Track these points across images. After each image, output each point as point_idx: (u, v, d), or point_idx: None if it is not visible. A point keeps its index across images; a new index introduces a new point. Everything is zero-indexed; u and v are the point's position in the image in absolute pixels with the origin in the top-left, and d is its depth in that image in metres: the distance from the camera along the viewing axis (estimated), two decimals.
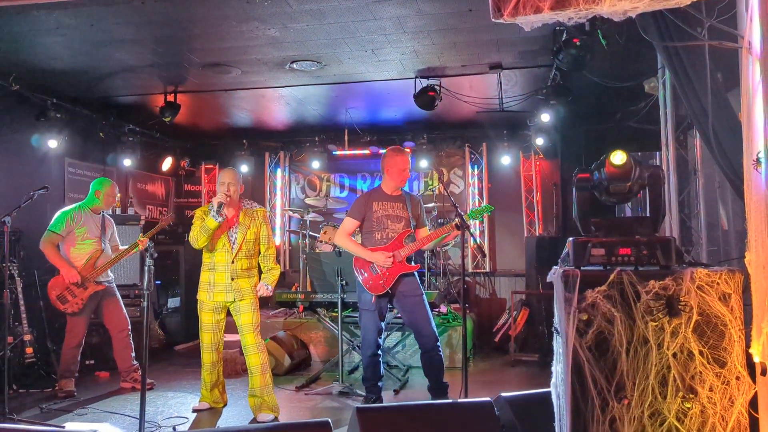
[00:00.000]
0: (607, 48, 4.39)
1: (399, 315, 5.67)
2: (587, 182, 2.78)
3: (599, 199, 2.96)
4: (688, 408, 2.43)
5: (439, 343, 4.72)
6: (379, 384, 4.83)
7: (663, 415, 2.43)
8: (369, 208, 4.82)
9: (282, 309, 7.49)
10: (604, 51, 4.55)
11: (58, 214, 5.51)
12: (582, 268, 2.61)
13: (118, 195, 5.91)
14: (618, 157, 2.60)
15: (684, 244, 4.69)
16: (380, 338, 4.84)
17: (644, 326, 2.46)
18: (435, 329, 4.72)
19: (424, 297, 4.78)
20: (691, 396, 2.43)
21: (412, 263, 4.85)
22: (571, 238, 2.69)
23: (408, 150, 4.97)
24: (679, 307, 2.43)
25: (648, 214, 2.75)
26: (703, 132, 3.21)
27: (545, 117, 6.60)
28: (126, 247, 5.64)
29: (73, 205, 5.64)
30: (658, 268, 2.56)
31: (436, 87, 6.39)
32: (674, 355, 2.44)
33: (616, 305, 2.48)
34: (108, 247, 5.67)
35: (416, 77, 6.43)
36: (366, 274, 4.72)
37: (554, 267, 2.91)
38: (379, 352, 4.83)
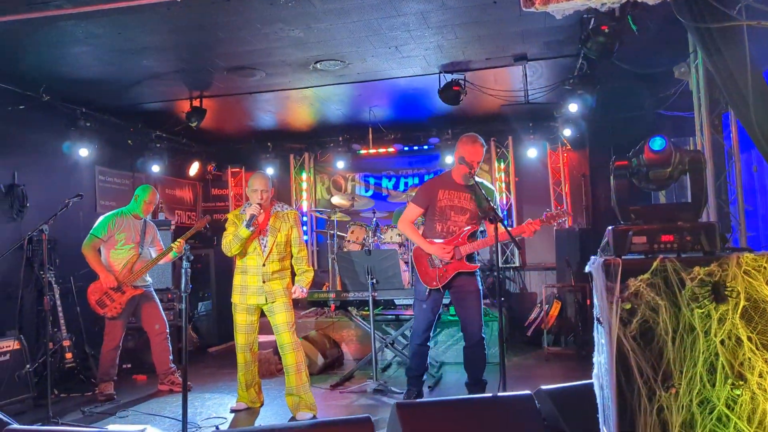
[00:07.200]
0: (637, 34, 4.31)
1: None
2: (625, 170, 2.73)
3: (636, 187, 2.91)
4: (738, 395, 2.37)
5: (484, 341, 4.61)
6: (423, 378, 4.83)
7: (712, 403, 2.38)
8: (434, 196, 4.61)
9: (313, 308, 7.54)
10: (632, 37, 4.48)
11: (101, 218, 5.62)
12: (623, 257, 2.57)
13: (158, 202, 5.98)
14: (657, 143, 2.55)
15: (722, 230, 4.60)
16: (431, 331, 4.78)
17: (690, 313, 2.41)
18: (482, 326, 4.60)
19: (480, 293, 4.61)
20: (740, 383, 2.38)
21: (474, 262, 4.63)
22: (610, 227, 2.64)
23: (481, 142, 4.68)
24: (726, 293, 2.38)
25: (689, 200, 2.69)
26: (742, 115, 3.14)
27: (573, 107, 6.51)
28: (163, 251, 5.69)
29: (116, 210, 5.74)
30: (702, 254, 2.51)
31: (460, 81, 6.36)
32: (722, 341, 2.39)
33: (660, 293, 2.43)
34: (147, 252, 5.75)
35: (440, 72, 6.40)
36: (423, 266, 4.61)
37: (593, 257, 2.87)
38: (429, 344, 4.81)
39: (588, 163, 8.50)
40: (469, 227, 4.56)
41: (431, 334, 4.81)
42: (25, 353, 5.23)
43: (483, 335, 4.61)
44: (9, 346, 5.13)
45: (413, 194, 4.87)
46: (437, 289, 4.59)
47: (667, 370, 2.42)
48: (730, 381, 2.38)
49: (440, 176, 4.86)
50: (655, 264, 2.44)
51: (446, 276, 4.53)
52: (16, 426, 3.19)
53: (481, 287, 4.64)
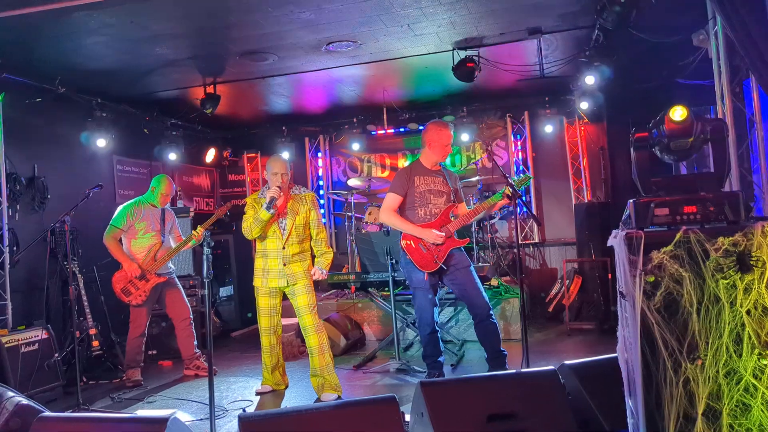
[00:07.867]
0: (654, 1, 4.22)
1: (450, 290, 5.66)
2: (646, 141, 2.68)
3: (656, 159, 2.86)
4: (765, 365, 2.35)
5: (492, 312, 4.66)
6: (440, 359, 4.82)
7: (739, 374, 2.36)
8: (411, 183, 4.75)
9: (334, 290, 7.58)
10: (649, 5, 4.38)
11: (119, 209, 5.69)
12: (645, 229, 2.54)
13: (174, 193, 6.01)
14: (678, 113, 2.50)
15: (746, 200, 4.53)
16: (436, 314, 4.81)
17: (715, 284, 2.38)
18: (487, 298, 4.67)
19: (472, 267, 4.73)
20: (767, 352, 2.36)
21: (462, 237, 4.79)
22: (631, 200, 2.61)
23: (451, 124, 4.81)
24: (751, 262, 2.35)
25: (711, 170, 2.65)
26: (763, 81, 3.07)
27: (589, 80, 6.40)
28: (183, 240, 5.74)
29: (134, 200, 5.80)
30: (726, 224, 2.47)
31: (474, 58, 6.28)
32: (748, 311, 2.36)
33: (684, 265, 2.40)
34: (168, 239, 5.81)
35: (454, 49, 6.33)
36: (417, 253, 4.64)
37: (614, 231, 2.84)
38: (437, 328, 4.81)
39: (606, 136, 8.38)
40: (447, 207, 4.73)
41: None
42: (53, 342, 5.33)
43: (490, 305, 4.68)
44: (37, 336, 5.23)
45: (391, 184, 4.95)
46: (435, 272, 4.65)
47: (693, 342, 2.40)
48: (756, 351, 2.36)
49: (411, 164, 4.97)
50: (678, 236, 2.41)
51: (442, 255, 4.61)
52: (48, 413, 3.26)
53: (470, 262, 4.77)
